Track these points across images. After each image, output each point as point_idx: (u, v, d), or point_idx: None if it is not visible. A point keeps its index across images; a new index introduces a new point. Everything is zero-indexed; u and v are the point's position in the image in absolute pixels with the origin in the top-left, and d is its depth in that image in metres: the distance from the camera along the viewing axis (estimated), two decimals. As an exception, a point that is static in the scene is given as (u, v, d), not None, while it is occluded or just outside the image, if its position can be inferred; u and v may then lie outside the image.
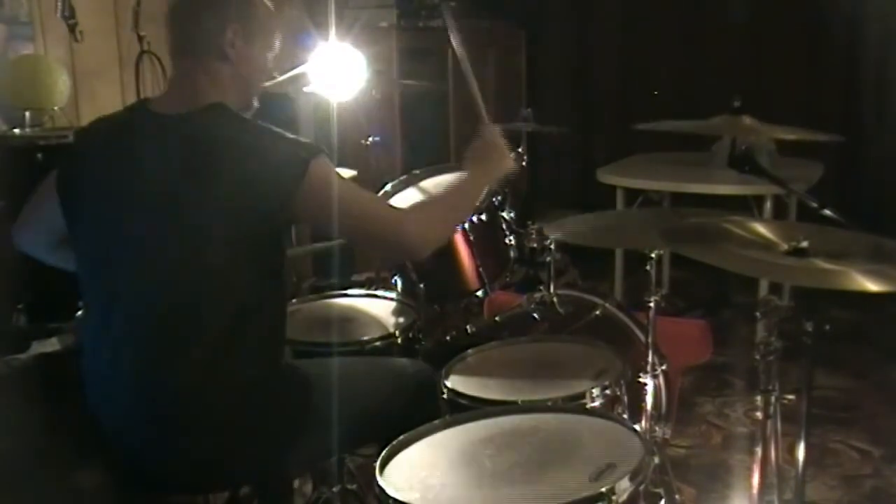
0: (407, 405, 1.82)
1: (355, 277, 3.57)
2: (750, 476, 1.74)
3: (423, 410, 1.76)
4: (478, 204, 2.13)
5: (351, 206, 1.68)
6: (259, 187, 1.61)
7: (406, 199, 2.44)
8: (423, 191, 2.46)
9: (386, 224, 1.74)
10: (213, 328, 1.63)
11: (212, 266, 1.63)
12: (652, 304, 2.00)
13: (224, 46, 1.74)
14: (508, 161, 2.02)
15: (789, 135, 2.66)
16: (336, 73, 2.82)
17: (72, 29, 3.21)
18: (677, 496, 2.24)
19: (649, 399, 2.02)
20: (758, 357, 1.65)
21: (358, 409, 1.77)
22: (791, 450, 1.70)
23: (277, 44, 1.85)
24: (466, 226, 2.19)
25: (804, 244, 1.56)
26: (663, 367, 2.12)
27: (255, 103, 1.86)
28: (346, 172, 3.01)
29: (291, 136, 1.70)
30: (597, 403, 1.78)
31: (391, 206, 1.86)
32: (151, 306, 1.64)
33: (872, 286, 1.41)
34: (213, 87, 1.73)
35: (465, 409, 1.75)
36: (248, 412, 1.67)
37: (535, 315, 2.33)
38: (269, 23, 1.83)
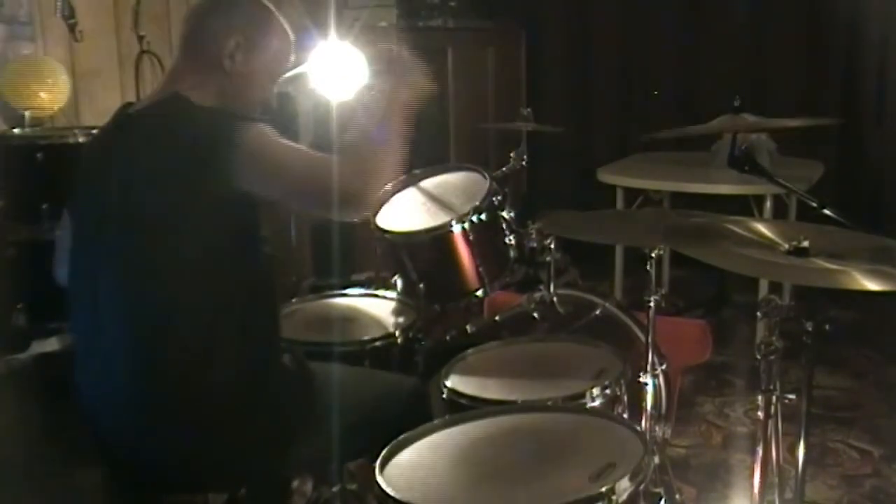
0: (399, 420, 1.71)
1: (355, 277, 3.56)
2: (750, 476, 1.74)
3: (414, 426, 1.67)
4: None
5: (293, 169, 1.60)
6: (200, 172, 1.56)
7: (406, 199, 2.43)
8: (423, 191, 2.45)
9: (329, 182, 1.58)
10: (195, 329, 1.61)
11: (184, 265, 1.60)
12: (652, 304, 1.99)
13: (222, 55, 1.69)
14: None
15: (790, 122, 2.65)
16: (336, 72, 2.82)
17: (72, 29, 3.21)
18: (677, 496, 2.24)
19: (649, 399, 2.02)
20: (758, 357, 1.65)
21: (353, 417, 1.75)
22: (791, 449, 1.70)
23: (282, 70, 1.79)
24: (467, 226, 2.19)
25: (805, 244, 1.56)
26: (663, 367, 2.12)
27: None
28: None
29: (228, 112, 1.65)
30: (597, 403, 1.78)
31: (332, 162, 1.64)
32: (134, 312, 1.62)
33: (873, 286, 1.41)
34: (195, 89, 1.68)
35: (464, 409, 1.75)
36: (240, 413, 1.66)
37: (535, 315, 2.33)
38: (279, 46, 1.76)
